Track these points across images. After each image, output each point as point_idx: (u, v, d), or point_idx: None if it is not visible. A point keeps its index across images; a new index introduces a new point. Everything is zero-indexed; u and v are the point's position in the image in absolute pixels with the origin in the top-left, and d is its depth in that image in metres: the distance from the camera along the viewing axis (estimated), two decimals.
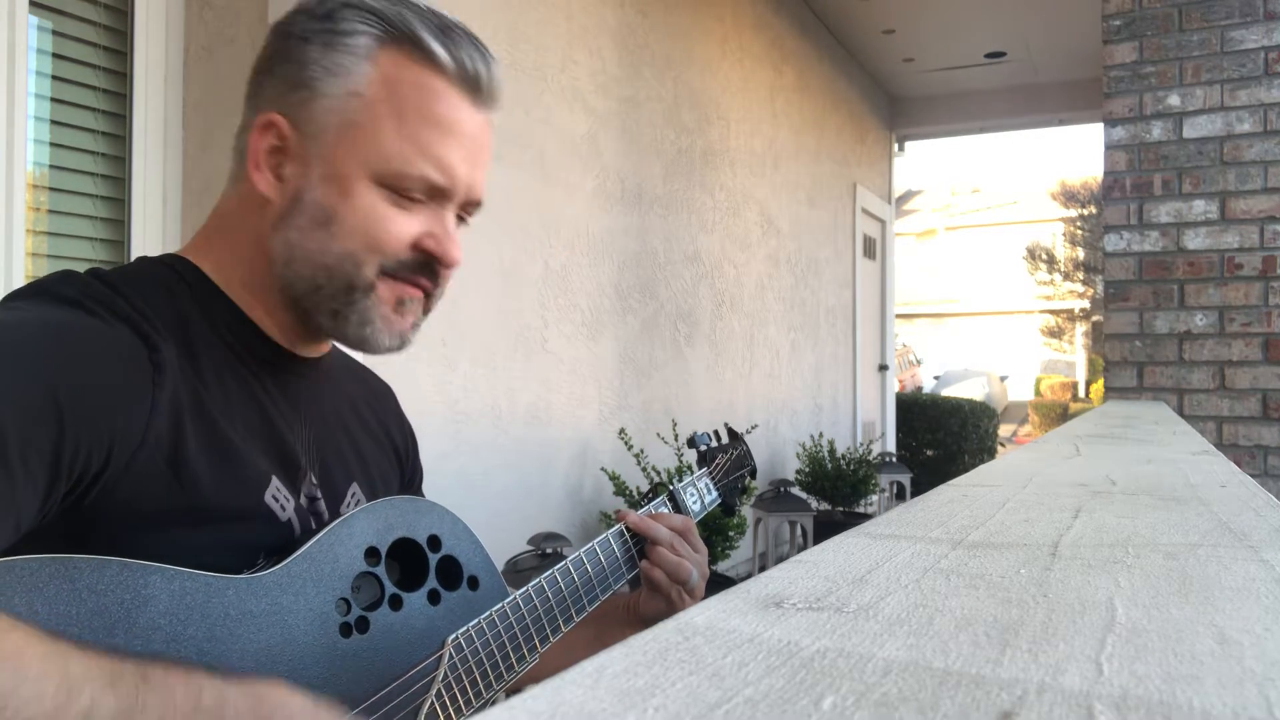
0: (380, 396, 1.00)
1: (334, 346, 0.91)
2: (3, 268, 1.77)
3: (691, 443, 1.21)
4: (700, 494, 1.16)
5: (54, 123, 1.92)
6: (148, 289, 0.74)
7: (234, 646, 0.65)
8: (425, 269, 0.80)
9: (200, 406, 0.71)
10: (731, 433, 1.31)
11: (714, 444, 1.25)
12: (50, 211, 1.92)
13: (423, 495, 1.02)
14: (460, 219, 0.84)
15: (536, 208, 3.21)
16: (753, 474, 1.30)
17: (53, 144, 1.92)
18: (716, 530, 3.52)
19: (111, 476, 0.64)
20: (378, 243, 0.77)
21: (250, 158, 0.78)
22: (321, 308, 0.78)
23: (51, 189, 1.92)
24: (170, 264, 0.79)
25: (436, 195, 0.79)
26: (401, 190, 0.77)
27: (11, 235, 1.78)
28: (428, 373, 2.72)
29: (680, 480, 1.15)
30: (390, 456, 0.96)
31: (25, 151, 1.84)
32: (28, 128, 1.85)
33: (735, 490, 1.26)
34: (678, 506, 1.10)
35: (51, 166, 1.93)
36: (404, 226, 0.78)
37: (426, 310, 0.83)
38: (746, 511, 4.26)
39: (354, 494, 0.87)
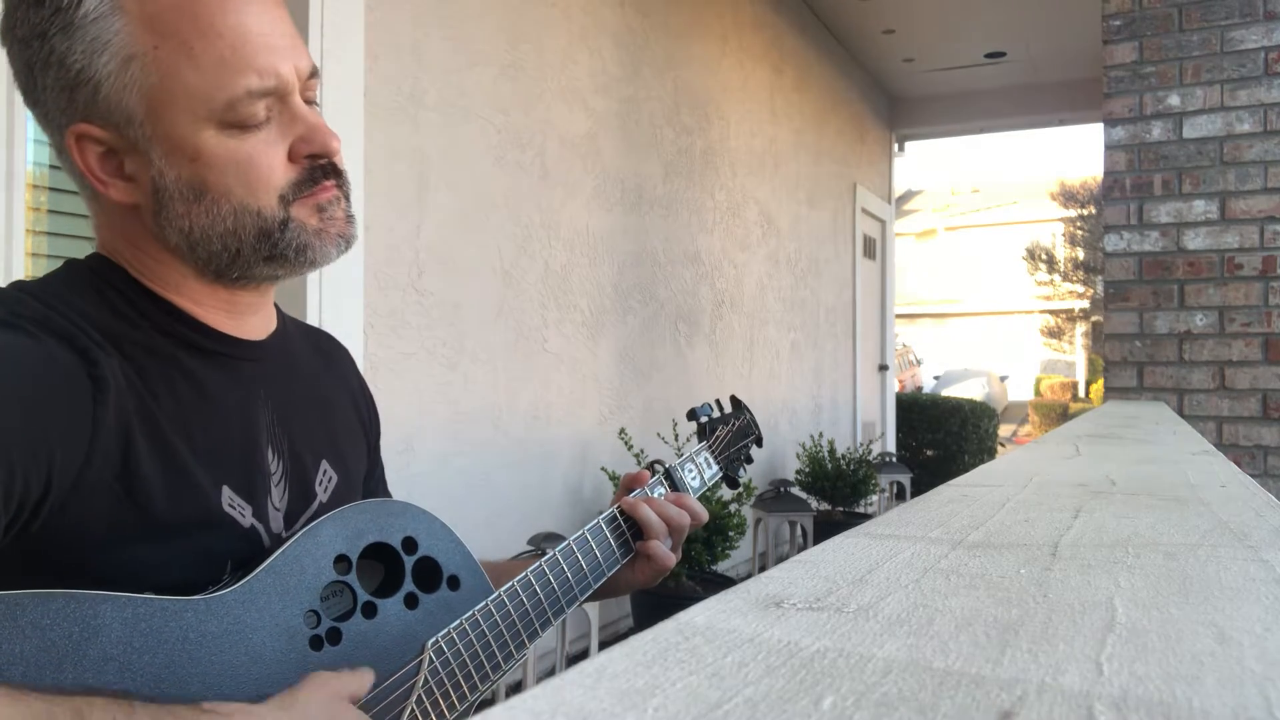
0: (338, 360, 0.96)
1: (284, 315, 0.88)
2: (2, 268, 1.77)
3: (692, 415, 1.17)
4: (699, 469, 1.12)
5: None
6: (81, 298, 0.70)
7: (194, 671, 0.63)
8: (319, 172, 0.75)
9: (149, 417, 0.68)
10: (735, 401, 1.26)
11: (715, 415, 1.21)
12: (50, 211, 1.92)
13: (380, 460, 0.99)
14: (308, 101, 0.76)
15: (536, 208, 3.21)
16: (759, 442, 1.26)
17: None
18: (717, 530, 3.52)
19: (56, 500, 0.62)
20: (259, 182, 0.72)
21: (89, 178, 0.72)
22: (253, 262, 0.74)
23: (51, 189, 1.92)
24: (96, 268, 0.75)
25: (273, 97, 0.72)
26: (242, 120, 0.70)
27: (11, 235, 1.78)
28: (427, 373, 2.72)
29: (678, 457, 1.11)
30: (355, 422, 0.93)
31: (25, 151, 1.83)
32: (28, 128, 1.85)
33: (738, 461, 1.22)
34: (674, 484, 1.07)
35: (51, 167, 1.93)
36: (273, 149, 0.72)
37: (346, 196, 0.79)
38: (746, 511, 4.25)
39: (324, 471, 0.84)
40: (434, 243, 2.75)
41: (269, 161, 0.72)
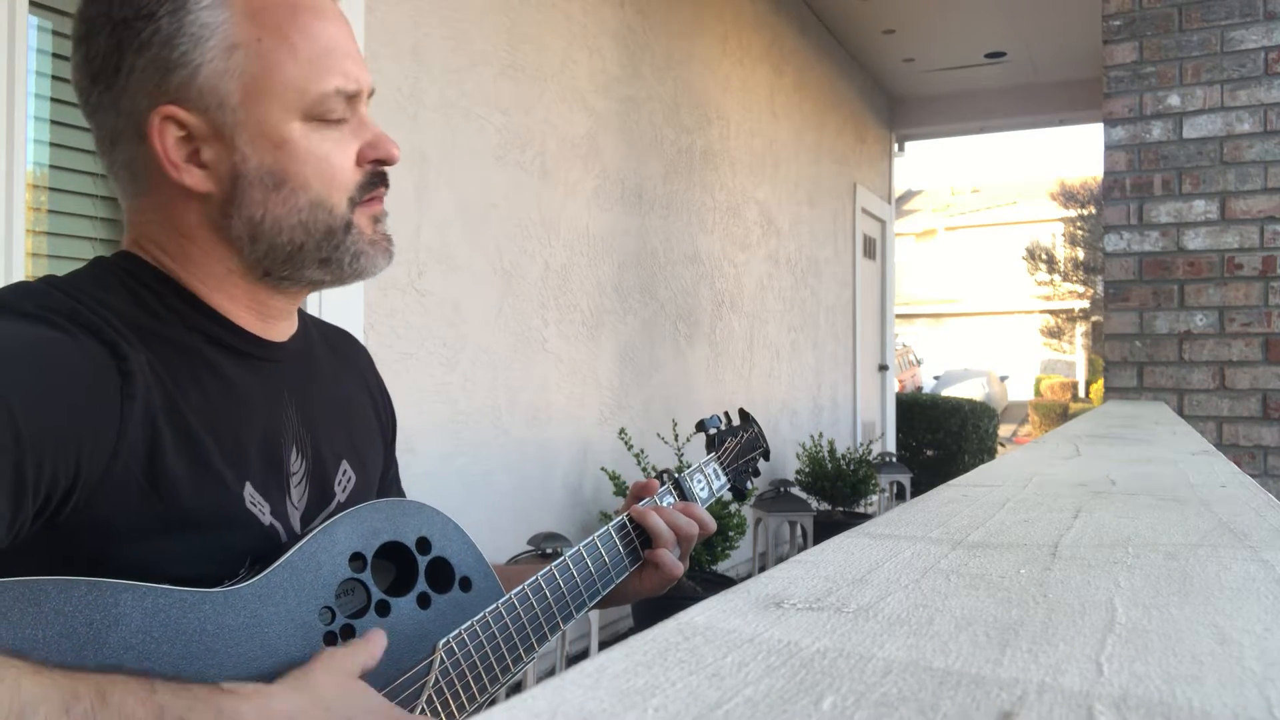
0: (355, 359, 0.97)
1: (304, 315, 0.89)
2: (3, 268, 1.77)
3: (701, 426, 1.18)
4: (708, 480, 1.13)
5: (54, 123, 1.92)
6: (110, 293, 0.72)
7: (211, 663, 0.64)
8: (378, 178, 0.80)
9: (175, 412, 0.69)
10: (743, 414, 1.27)
11: (724, 427, 1.22)
12: (50, 211, 1.92)
13: (395, 459, 1.00)
14: None
15: (536, 208, 3.21)
16: (765, 455, 1.27)
17: (53, 144, 1.92)
18: (717, 530, 3.52)
19: (83, 492, 0.63)
20: (336, 178, 0.77)
21: (164, 160, 0.73)
22: (307, 263, 0.78)
23: (51, 189, 1.92)
24: (125, 265, 0.76)
25: (351, 102, 0.78)
26: (325, 114, 0.76)
27: (11, 235, 1.78)
28: (428, 373, 2.72)
29: (687, 467, 1.12)
30: (372, 421, 0.94)
31: (25, 151, 1.83)
32: (28, 128, 1.84)
33: (746, 474, 1.23)
34: (683, 494, 1.07)
35: (51, 166, 1.93)
36: (345, 150, 0.78)
37: (385, 214, 0.84)
38: (746, 511, 4.26)
39: (344, 471, 0.85)
40: (434, 243, 2.75)
41: (342, 161, 0.77)
